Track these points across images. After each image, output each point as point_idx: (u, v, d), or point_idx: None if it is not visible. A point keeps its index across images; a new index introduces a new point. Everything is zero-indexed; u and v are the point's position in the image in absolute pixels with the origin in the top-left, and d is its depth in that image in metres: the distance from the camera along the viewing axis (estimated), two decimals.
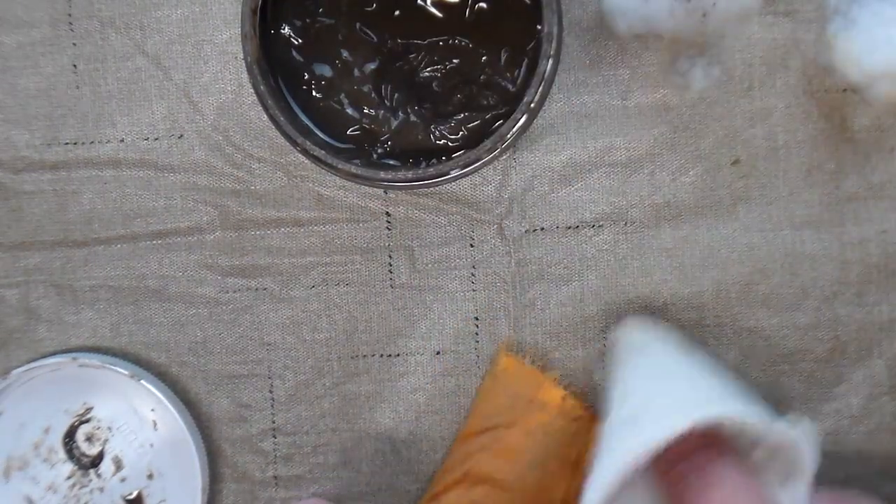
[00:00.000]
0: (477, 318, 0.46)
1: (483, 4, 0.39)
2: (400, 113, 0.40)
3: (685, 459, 0.37)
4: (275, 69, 0.40)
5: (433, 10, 0.40)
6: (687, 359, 0.41)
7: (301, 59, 0.40)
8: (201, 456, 0.45)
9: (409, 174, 0.38)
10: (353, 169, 0.38)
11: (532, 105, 0.38)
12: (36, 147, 0.46)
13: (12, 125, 0.46)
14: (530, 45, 0.39)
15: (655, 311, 0.45)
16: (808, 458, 0.37)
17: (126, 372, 0.45)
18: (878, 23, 0.41)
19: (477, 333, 0.46)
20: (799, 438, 0.37)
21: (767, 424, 0.36)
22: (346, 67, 0.40)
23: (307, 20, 0.40)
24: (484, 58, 0.40)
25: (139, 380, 0.45)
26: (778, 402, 0.45)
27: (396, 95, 0.40)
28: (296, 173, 0.45)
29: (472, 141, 0.40)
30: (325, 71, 0.40)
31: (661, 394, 0.39)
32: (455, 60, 0.40)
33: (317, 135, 0.40)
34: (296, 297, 0.46)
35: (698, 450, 0.38)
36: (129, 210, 0.46)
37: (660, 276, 0.45)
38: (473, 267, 0.46)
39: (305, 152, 0.39)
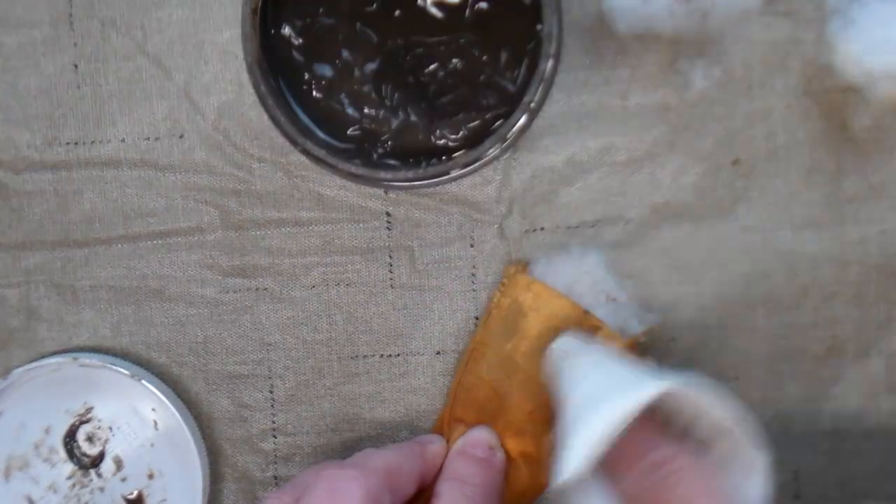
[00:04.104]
0: (477, 318, 0.46)
1: (483, 4, 0.39)
2: (400, 113, 0.40)
3: (642, 457, 0.37)
4: (275, 69, 0.40)
5: (433, 10, 0.40)
6: (624, 359, 0.41)
7: (301, 59, 0.40)
8: (201, 456, 0.45)
9: (410, 174, 0.38)
10: (354, 169, 0.38)
11: (532, 105, 0.38)
12: (37, 147, 0.46)
13: (13, 125, 0.46)
14: (530, 45, 0.39)
15: (655, 310, 0.45)
16: (753, 451, 0.37)
17: (127, 372, 0.45)
18: (878, 23, 0.41)
19: None
20: (741, 427, 0.37)
21: (728, 409, 0.36)
22: (347, 67, 0.40)
23: (307, 20, 0.40)
24: (484, 58, 0.40)
25: (140, 380, 0.45)
26: (778, 401, 0.45)
27: (396, 95, 0.40)
28: (296, 173, 0.45)
29: (472, 141, 0.40)
30: (326, 71, 0.40)
31: (613, 378, 0.39)
32: (455, 60, 0.40)
33: (317, 135, 0.40)
34: (296, 297, 0.46)
35: (656, 446, 0.37)
36: (130, 210, 0.46)
37: (660, 276, 0.45)
38: (473, 267, 0.46)
39: (306, 152, 0.39)
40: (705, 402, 0.37)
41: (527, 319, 0.44)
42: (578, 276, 0.44)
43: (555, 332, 0.43)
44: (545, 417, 0.43)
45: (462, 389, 0.45)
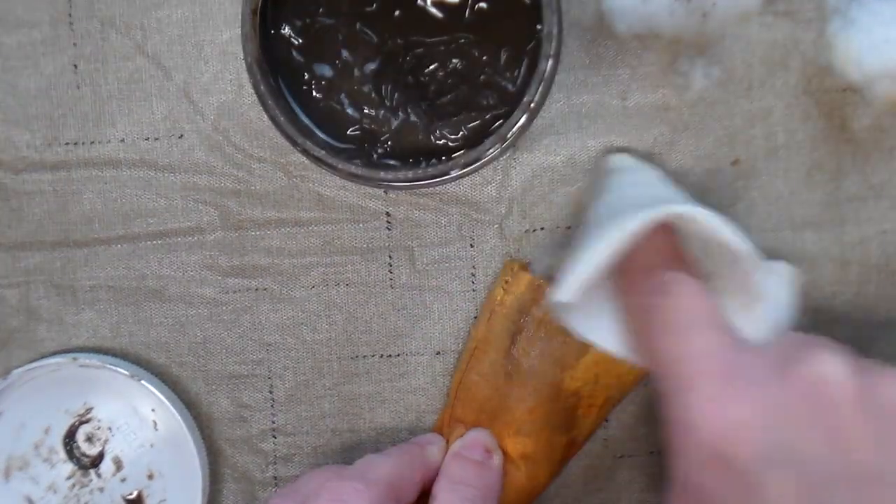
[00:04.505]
0: (476, 318, 0.46)
1: (483, 4, 0.39)
2: (400, 113, 0.40)
3: (648, 277, 0.38)
4: (275, 69, 0.40)
5: (433, 10, 0.40)
6: (666, 183, 0.42)
7: (301, 60, 0.40)
8: (201, 456, 0.45)
9: (410, 174, 0.38)
10: (354, 169, 0.38)
11: (532, 105, 0.38)
12: (36, 147, 0.46)
13: (12, 125, 0.46)
14: (530, 45, 0.39)
15: None
16: (773, 293, 0.38)
17: (126, 372, 0.45)
18: (878, 23, 0.41)
19: None
20: (764, 269, 0.37)
21: (742, 241, 0.37)
22: (346, 67, 0.40)
23: (307, 20, 0.40)
24: (484, 58, 0.40)
25: (139, 380, 0.45)
26: None
27: (396, 95, 0.40)
28: (296, 173, 0.45)
29: (472, 141, 0.40)
30: (325, 71, 0.40)
31: (639, 196, 0.40)
32: (455, 60, 0.40)
33: (317, 135, 0.40)
34: (296, 298, 0.46)
35: (664, 268, 0.38)
36: (130, 210, 0.46)
37: None
38: (473, 267, 0.46)
39: (306, 152, 0.39)
40: (717, 229, 0.37)
41: (530, 318, 0.44)
42: None
43: (557, 331, 0.43)
44: (545, 415, 0.43)
45: (462, 389, 0.45)
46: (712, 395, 0.34)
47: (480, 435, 0.44)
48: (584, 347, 0.43)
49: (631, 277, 0.39)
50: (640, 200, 0.39)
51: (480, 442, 0.44)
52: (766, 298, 0.38)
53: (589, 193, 0.44)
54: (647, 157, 0.44)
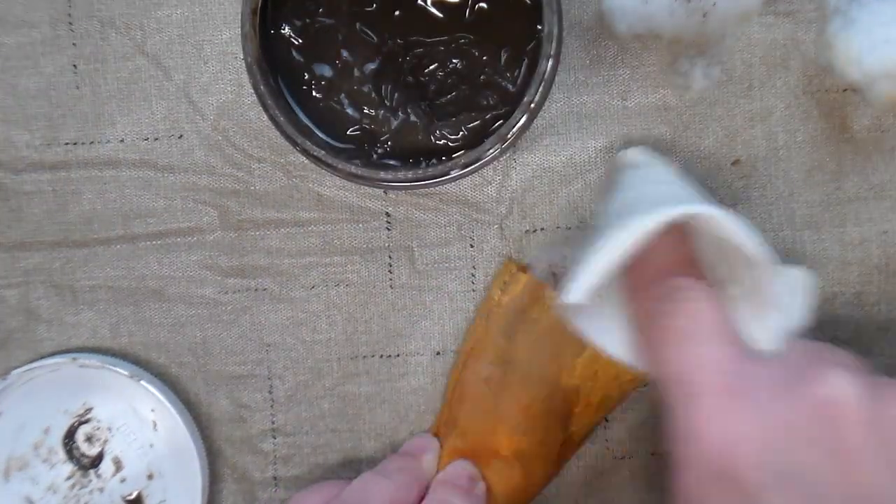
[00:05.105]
0: (474, 319, 0.46)
1: (483, 4, 0.39)
2: (400, 113, 0.40)
3: (659, 282, 0.37)
4: (275, 69, 0.40)
5: (433, 10, 0.40)
6: (681, 180, 0.41)
7: (301, 59, 0.40)
8: (201, 456, 0.45)
9: (409, 174, 0.38)
10: (353, 169, 0.38)
11: (532, 105, 0.38)
12: (36, 147, 0.46)
13: (12, 125, 0.46)
14: (530, 45, 0.39)
15: None
16: (788, 300, 0.37)
17: (126, 372, 0.45)
18: (878, 23, 0.41)
19: None
20: (780, 274, 0.36)
21: (758, 245, 0.36)
22: (346, 67, 0.40)
23: (307, 20, 0.40)
24: (484, 58, 0.40)
25: (139, 380, 0.45)
26: None
27: (396, 95, 0.40)
28: (296, 173, 0.45)
29: (472, 141, 0.40)
30: (325, 71, 0.40)
31: (653, 195, 0.39)
32: (455, 60, 0.40)
33: (317, 135, 0.40)
34: (296, 298, 0.46)
35: (674, 273, 0.37)
36: (129, 210, 0.46)
37: None
38: (473, 267, 0.46)
39: (305, 152, 0.39)
40: (733, 231, 0.36)
41: (527, 318, 0.44)
42: None
43: (556, 330, 0.43)
44: (541, 413, 0.43)
45: (458, 388, 0.45)
46: (716, 409, 0.34)
47: (464, 465, 0.44)
48: (582, 345, 0.42)
49: (640, 280, 0.38)
50: (654, 198, 0.38)
51: (465, 472, 0.43)
52: (780, 305, 0.37)
53: (602, 190, 0.43)
54: (663, 151, 0.44)
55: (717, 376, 0.34)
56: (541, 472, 0.44)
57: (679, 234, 0.38)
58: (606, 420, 0.46)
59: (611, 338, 0.39)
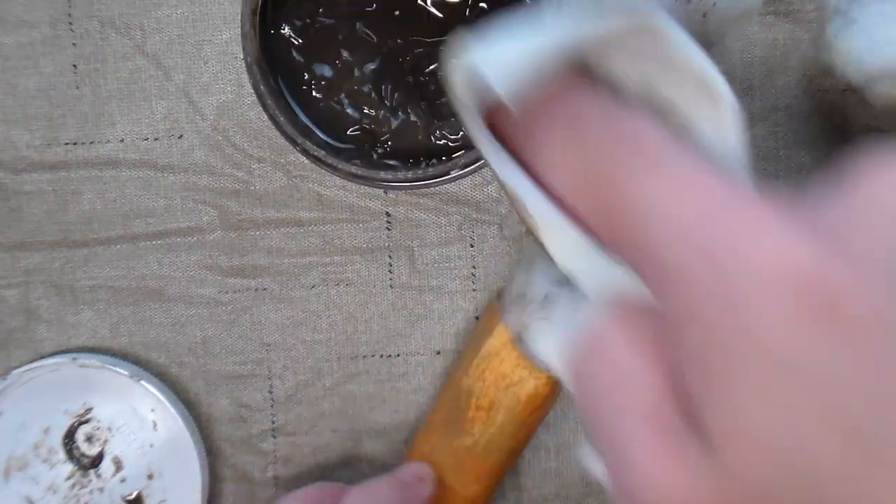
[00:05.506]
0: (477, 318, 0.46)
1: (483, 4, 0.39)
2: (400, 113, 0.40)
3: (586, 123, 0.25)
4: (275, 69, 0.40)
5: (433, 9, 0.40)
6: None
7: (301, 59, 0.40)
8: (201, 456, 0.45)
9: (409, 174, 0.38)
10: (353, 169, 0.38)
11: None
12: (36, 147, 0.46)
13: (12, 125, 0.46)
14: None
15: None
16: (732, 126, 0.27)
17: (126, 372, 0.45)
18: (878, 23, 0.41)
19: None
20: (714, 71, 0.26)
21: (709, 61, 0.25)
22: (346, 67, 0.40)
23: (307, 20, 0.40)
24: None
25: (139, 380, 0.45)
26: None
27: (396, 95, 0.40)
28: (296, 173, 0.45)
29: (472, 141, 0.40)
30: (325, 71, 0.40)
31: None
32: None
33: (317, 135, 0.40)
34: (296, 297, 0.46)
35: (608, 107, 0.25)
36: (129, 210, 0.46)
37: None
38: (473, 267, 0.46)
39: (305, 152, 0.39)
40: (683, 44, 0.25)
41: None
42: None
43: (476, 328, 0.43)
44: (445, 417, 0.44)
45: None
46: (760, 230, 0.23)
47: (419, 466, 0.44)
48: (481, 343, 0.42)
49: (557, 119, 0.25)
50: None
51: (417, 471, 0.43)
52: (734, 129, 0.27)
53: None
54: None
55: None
56: (456, 482, 0.44)
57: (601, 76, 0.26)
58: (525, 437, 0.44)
59: (550, 346, 0.32)
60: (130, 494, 0.46)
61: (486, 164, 0.39)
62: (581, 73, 0.26)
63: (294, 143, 0.39)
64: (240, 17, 0.38)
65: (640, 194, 0.23)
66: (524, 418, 0.43)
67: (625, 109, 0.25)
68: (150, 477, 0.46)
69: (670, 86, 0.27)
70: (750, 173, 0.27)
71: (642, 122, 0.24)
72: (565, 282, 0.28)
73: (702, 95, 0.27)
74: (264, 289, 0.46)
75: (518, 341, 0.39)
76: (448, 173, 0.38)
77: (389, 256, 0.46)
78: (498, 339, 0.42)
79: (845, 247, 0.22)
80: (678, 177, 0.23)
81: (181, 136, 0.45)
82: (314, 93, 0.40)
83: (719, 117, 0.27)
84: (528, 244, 0.40)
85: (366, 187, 0.45)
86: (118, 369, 0.45)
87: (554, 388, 0.42)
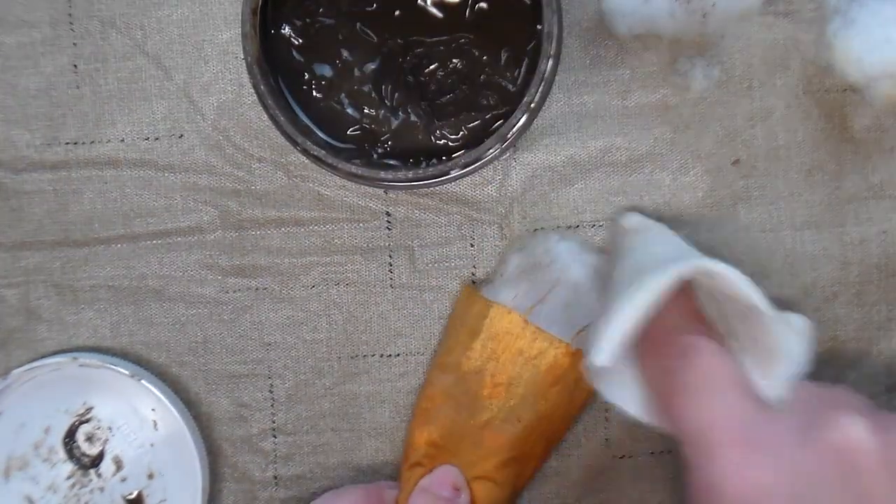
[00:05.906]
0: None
1: (483, 4, 0.39)
2: (400, 113, 0.40)
3: (670, 341, 0.37)
4: (275, 69, 0.40)
5: (433, 10, 0.40)
6: (681, 240, 0.42)
7: (301, 59, 0.40)
8: (201, 456, 0.45)
9: (410, 174, 0.38)
10: (354, 169, 0.38)
11: (532, 105, 0.38)
12: (36, 147, 0.46)
13: (12, 125, 0.46)
14: (530, 45, 0.39)
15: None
16: (790, 347, 0.37)
17: (126, 372, 0.45)
18: (878, 23, 0.41)
19: None
20: (780, 322, 0.37)
21: (759, 295, 0.36)
22: (346, 67, 0.40)
23: (307, 20, 0.40)
24: (484, 58, 0.40)
25: (139, 380, 0.45)
26: None
27: (396, 95, 0.40)
28: (296, 173, 0.45)
29: (472, 141, 0.40)
30: (326, 71, 0.40)
31: (660, 254, 0.40)
32: (455, 60, 0.40)
33: (317, 135, 0.40)
34: (296, 297, 0.46)
35: (683, 331, 0.37)
36: (130, 210, 0.46)
37: None
38: (473, 267, 0.46)
39: (306, 152, 0.39)
40: (736, 283, 0.36)
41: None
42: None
43: (456, 317, 0.44)
44: (446, 399, 0.43)
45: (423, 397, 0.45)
46: (737, 462, 0.34)
47: (449, 471, 0.43)
48: (479, 326, 0.43)
49: (653, 340, 0.38)
50: (663, 257, 0.39)
51: (449, 479, 0.43)
52: (782, 353, 0.37)
53: (610, 256, 0.43)
54: (656, 215, 0.44)
55: (735, 429, 0.35)
56: (463, 462, 0.43)
57: (686, 293, 0.38)
58: (578, 416, 0.46)
59: (627, 397, 0.39)
60: (131, 494, 0.46)
61: (486, 164, 0.39)
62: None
63: (294, 142, 0.39)
64: (240, 17, 0.38)
65: (690, 408, 0.36)
66: (545, 389, 0.43)
67: (703, 342, 0.37)
68: (150, 476, 0.46)
69: (728, 317, 0.38)
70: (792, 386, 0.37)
71: (711, 353, 0.37)
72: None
73: (746, 328, 0.37)
74: (264, 288, 0.46)
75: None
76: (448, 173, 0.38)
77: (390, 256, 0.46)
78: (501, 320, 0.43)
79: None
80: (715, 406, 0.36)
81: (181, 135, 0.46)
82: (314, 93, 0.40)
83: (765, 341, 0.37)
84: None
85: (366, 187, 0.45)
86: (118, 369, 0.45)
87: (574, 358, 0.43)
